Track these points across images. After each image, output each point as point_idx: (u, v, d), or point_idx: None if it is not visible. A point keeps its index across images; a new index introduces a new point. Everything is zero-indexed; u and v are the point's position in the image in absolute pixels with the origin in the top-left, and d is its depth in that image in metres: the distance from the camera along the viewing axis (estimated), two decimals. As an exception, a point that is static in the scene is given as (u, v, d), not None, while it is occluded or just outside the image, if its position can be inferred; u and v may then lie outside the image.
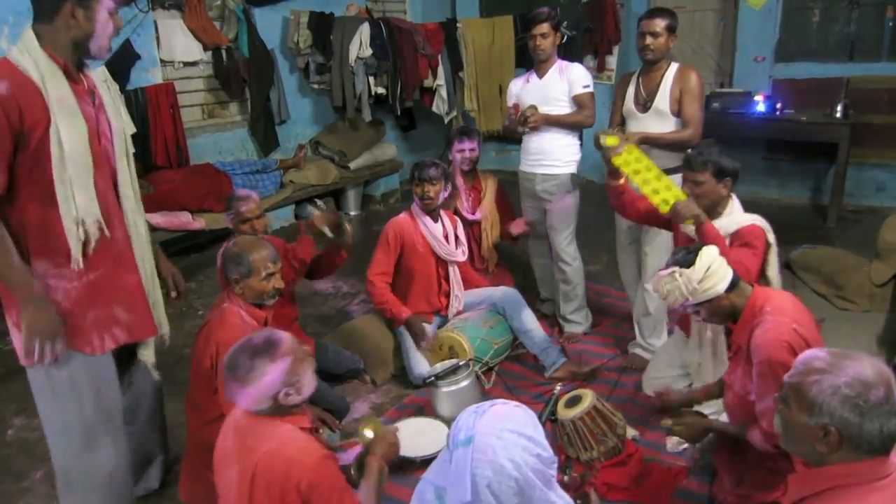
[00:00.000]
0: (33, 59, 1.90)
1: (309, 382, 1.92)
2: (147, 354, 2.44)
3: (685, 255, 2.17)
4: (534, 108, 3.57)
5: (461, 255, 3.66)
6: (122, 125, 2.23)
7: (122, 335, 2.17)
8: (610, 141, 3.01)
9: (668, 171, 3.22)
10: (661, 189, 2.83)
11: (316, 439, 1.96)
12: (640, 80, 3.46)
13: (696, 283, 2.11)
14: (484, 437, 1.53)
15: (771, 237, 2.70)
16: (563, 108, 3.63)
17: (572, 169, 3.74)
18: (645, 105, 3.41)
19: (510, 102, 3.83)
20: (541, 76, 3.68)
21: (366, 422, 2.33)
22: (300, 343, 1.95)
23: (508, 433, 1.54)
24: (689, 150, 2.88)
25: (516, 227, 4.02)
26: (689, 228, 2.72)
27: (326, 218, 3.22)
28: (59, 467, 2.25)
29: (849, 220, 5.90)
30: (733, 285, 2.15)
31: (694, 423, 2.40)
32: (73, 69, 2.02)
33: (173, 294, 2.57)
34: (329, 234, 3.22)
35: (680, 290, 2.14)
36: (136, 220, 2.25)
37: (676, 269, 2.15)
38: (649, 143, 3.30)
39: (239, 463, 1.84)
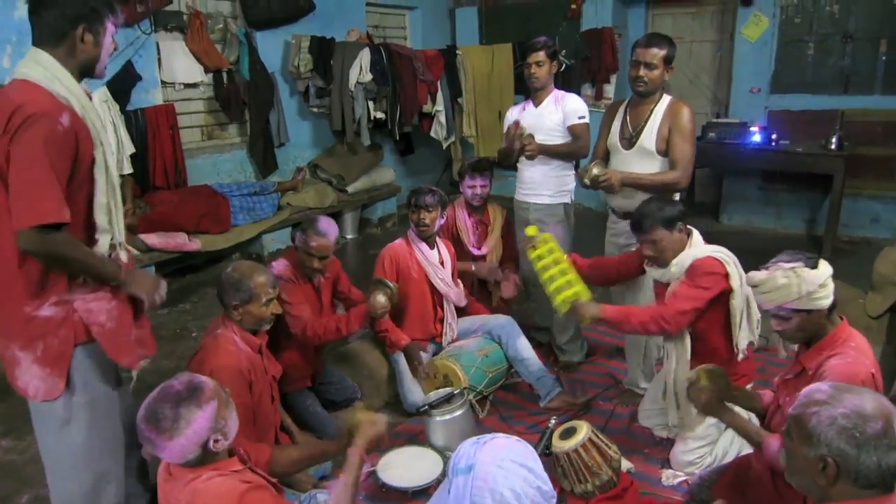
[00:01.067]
0: (67, 88, 1.89)
1: (234, 425, 1.85)
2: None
3: (807, 257, 2.06)
4: (531, 136, 3.59)
5: (455, 296, 3.63)
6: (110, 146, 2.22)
7: (145, 351, 2.21)
8: (529, 231, 3.09)
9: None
10: (564, 286, 2.88)
11: (243, 472, 1.86)
12: (628, 112, 3.26)
13: (813, 287, 2.01)
14: (485, 466, 1.53)
15: (731, 268, 2.67)
16: (557, 137, 3.65)
17: (566, 199, 3.75)
18: (630, 141, 3.21)
19: (506, 130, 3.86)
20: (537, 105, 3.70)
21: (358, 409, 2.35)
22: (221, 385, 1.89)
23: (510, 463, 1.54)
24: (634, 215, 2.82)
25: (507, 291, 3.92)
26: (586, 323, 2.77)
27: (389, 306, 3.10)
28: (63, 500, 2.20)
29: (844, 252, 5.91)
30: (832, 308, 2.08)
31: (716, 399, 2.24)
32: None
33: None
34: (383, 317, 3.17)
35: (795, 287, 2.01)
36: None
37: (800, 265, 2.04)
38: (633, 185, 3.14)
39: None
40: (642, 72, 3.09)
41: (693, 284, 2.65)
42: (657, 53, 3.07)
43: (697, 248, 2.77)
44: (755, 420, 2.39)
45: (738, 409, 2.39)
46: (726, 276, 2.66)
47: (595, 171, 3.10)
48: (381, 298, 3.03)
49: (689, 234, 2.81)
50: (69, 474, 2.14)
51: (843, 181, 5.70)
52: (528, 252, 3.09)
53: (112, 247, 2.04)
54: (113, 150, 2.12)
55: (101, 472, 2.15)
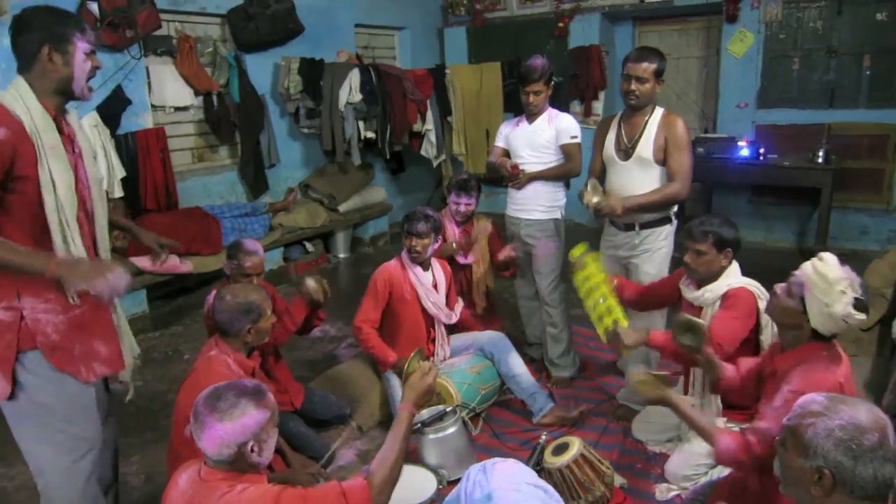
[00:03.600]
0: (27, 108, 1.96)
1: (270, 449, 1.89)
2: (124, 375, 2.40)
3: (864, 300, 2.01)
4: (517, 166, 3.67)
5: (445, 318, 3.61)
6: (96, 172, 2.26)
7: (102, 368, 2.20)
8: (576, 251, 3.03)
9: (652, 225, 3.31)
10: (604, 313, 2.87)
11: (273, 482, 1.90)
12: (622, 124, 3.31)
13: (817, 290, 2.01)
14: (503, 492, 1.53)
15: (762, 303, 2.69)
16: (549, 154, 3.68)
17: (556, 214, 3.78)
18: (627, 152, 3.26)
19: (498, 142, 3.89)
20: (530, 122, 3.73)
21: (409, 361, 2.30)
22: (277, 407, 1.94)
23: (526, 486, 1.56)
24: (691, 221, 2.85)
25: (503, 253, 3.88)
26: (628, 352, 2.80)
27: (321, 288, 3.23)
28: (43, 493, 2.26)
29: (834, 264, 5.93)
30: (828, 337, 2.07)
31: (658, 388, 2.34)
32: (61, 119, 2.08)
33: (161, 257, 2.85)
34: (321, 300, 3.26)
35: (827, 283, 2.00)
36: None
37: (852, 293, 1.99)
38: (636, 209, 3.19)
39: None
40: (634, 86, 3.15)
41: (732, 315, 2.65)
42: (647, 67, 3.13)
43: (733, 277, 2.78)
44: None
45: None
46: (756, 309, 2.68)
47: (595, 199, 3.13)
48: (310, 283, 3.20)
49: (730, 263, 2.80)
50: (48, 473, 2.19)
51: (830, 194, 5.75)
52: (573, 275, 3.08)
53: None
54: (91, 173, 2.17)
55: (71, 466, 2.18)
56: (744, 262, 2.86)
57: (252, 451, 1.79)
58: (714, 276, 2.78)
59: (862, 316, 2.00)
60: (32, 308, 2.02)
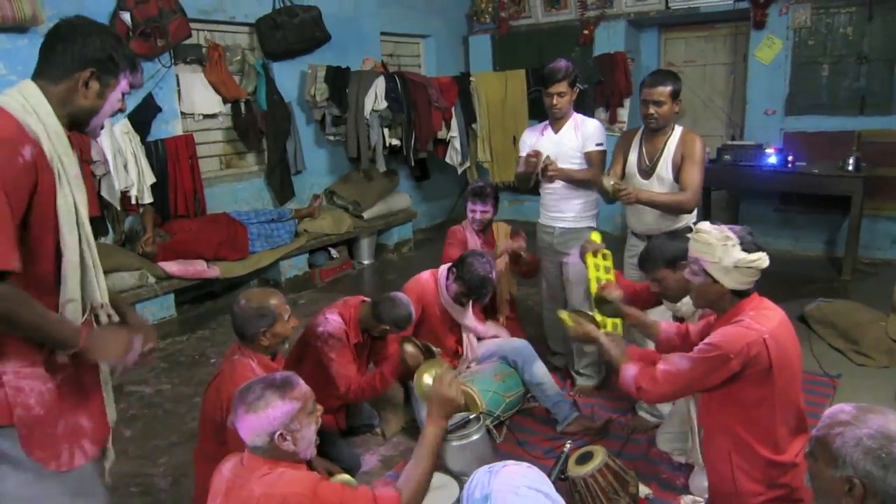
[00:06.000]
0: (44, 125, 1.62)
1: (309, 440, 1.91)
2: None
3: (751, 241, 2.14)
4: (550, 158, 3.63)
5: (483, 331, 3.66)
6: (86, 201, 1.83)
7: (90, 448, 1.80)
8: (594, 235, 3.13)
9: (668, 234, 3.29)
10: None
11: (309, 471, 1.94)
12: (643, 143, 3.44)
13: (728, 263, 2.11)
14: (501, 494, 1.52)
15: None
16: (576, 163, 3.66)
17: (591, 223, 3.75)
18: (648, 172, 3.40)
19: (523, 153, 3.87)
20: (556, 130, 3.71)
21: (425, 369, 2.21)
22: (316, 403, 1.95)
23: (526, 490, 1.54)
24: (641, 253, 2.92)
25: (516, 241, 3.91)
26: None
27: (419, 354, 3.10)
28: None
29: (864, 273, 5.84)
30: (742, 294, 2.19)
31: (586, 328, 2.59)
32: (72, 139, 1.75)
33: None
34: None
35: (717, 252, 2.12)
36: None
37: (735, 240, 2.12)
38: (646, 203, 3.33)
39: None
40: (651, 109, 3.29)
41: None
42: (663, 91, 3.25)
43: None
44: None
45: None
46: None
47: (612, 182, 3.29)
48: (409, 348, 3.11)
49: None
50: None
51: (861, 202, 5.63)
52: (584, 255, 3.22)
53: (87, 309, 1.74)
54: (83, 199, 1.76)
55: None
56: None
57: (283, 439, 1.83)
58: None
59: (757, 255, 2.11)
60: (15, 373, 1.62)
